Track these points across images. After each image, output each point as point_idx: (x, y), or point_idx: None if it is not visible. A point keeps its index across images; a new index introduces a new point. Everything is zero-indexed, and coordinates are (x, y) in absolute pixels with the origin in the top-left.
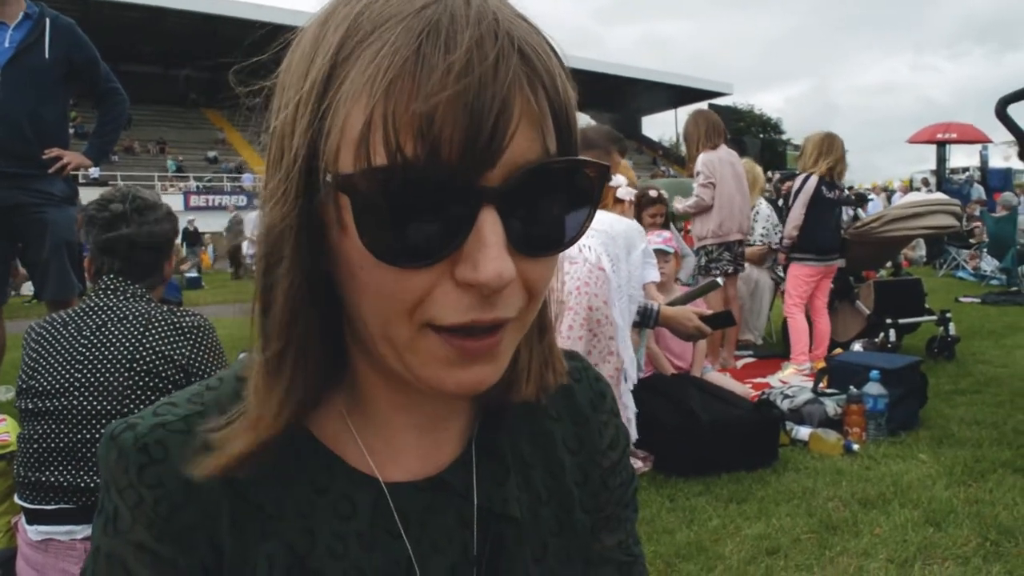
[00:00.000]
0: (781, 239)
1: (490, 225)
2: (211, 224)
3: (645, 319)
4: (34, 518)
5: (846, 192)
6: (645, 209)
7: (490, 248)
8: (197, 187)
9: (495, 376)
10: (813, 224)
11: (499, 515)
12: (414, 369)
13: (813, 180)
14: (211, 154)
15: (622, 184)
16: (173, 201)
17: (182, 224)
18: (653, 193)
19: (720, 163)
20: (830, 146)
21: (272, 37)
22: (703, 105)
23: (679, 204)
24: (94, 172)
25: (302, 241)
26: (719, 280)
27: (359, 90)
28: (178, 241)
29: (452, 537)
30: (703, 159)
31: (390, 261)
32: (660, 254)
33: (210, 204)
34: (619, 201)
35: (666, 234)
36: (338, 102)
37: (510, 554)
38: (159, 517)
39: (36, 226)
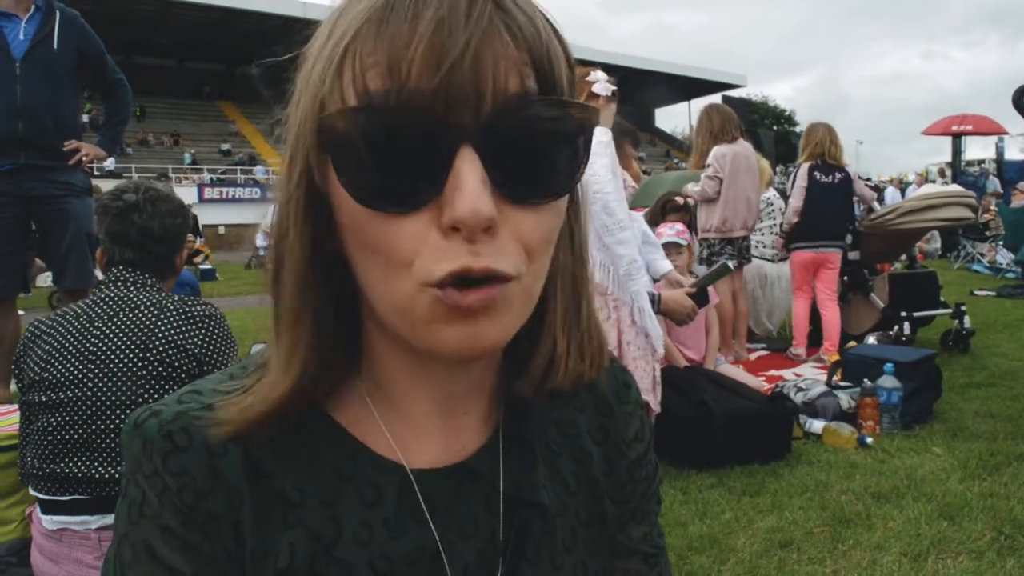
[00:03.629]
0: (781, 224)
1: (467, 164)
2: (227, 216)
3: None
4: (49, 508)
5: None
6: (668, 216)
7: (466, 184)
8: (211, 179)
9: (498, 336)
10: (806, 210)
11: (527, 502)
12: (417, 331)
13: (804, 168)
14: (224, 147)
15: (601, 80)
16: (187, 193)
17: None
18: (679, 200)
19: (735, 157)
20: (810, 135)
21: (286, 29)
22: (716, 97)
23: (690, 187)
24: (110, 164)
25: (308, 209)
26: (730, 264)
27: (335, 45)
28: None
29: (479, 524)
30: (716, 152)
31: (371, 204)
32: (673, 247)
33: (224, 196)
34: (594, 96)
35: (679, 227)
36: (329, 63)
37: (536, 542)
38: (184, 505)
39: (58, 216)
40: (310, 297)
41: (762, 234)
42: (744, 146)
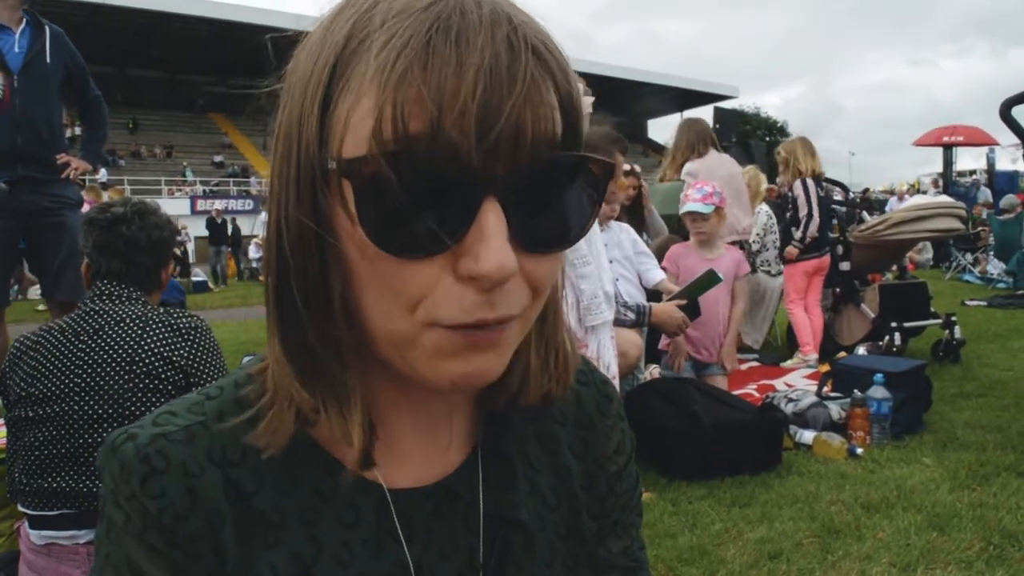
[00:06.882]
0: (802, 238)
1: (492, 216)
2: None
3: (639, 318)
4: (37, 523)
5: (852, 194)
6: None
7: (491, 239)
8: (204, 191)
9: (498, 368)
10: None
11: (506, 520)
12: (417, 364)
13: (810, 182)
14: (217, 158)
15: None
16: (179, 206)
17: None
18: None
19: (706, 171)
20: (813, 150)
21: (278, 42)
22: (709, 108)
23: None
24: (102, 176)
25: (318, 238)
26: (720, 274)
27: (367, 80)
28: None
29: (459, 543)
30: (687, 169)
31: (390, 250)
32: (698, 216)
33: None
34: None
35: (707, 188)
36: (345, 93)
37: (517, 560)
38: (165, 527)
39: (53, 229)
40: (319, 324)
41: (767, 250)
42: (719, 157)
